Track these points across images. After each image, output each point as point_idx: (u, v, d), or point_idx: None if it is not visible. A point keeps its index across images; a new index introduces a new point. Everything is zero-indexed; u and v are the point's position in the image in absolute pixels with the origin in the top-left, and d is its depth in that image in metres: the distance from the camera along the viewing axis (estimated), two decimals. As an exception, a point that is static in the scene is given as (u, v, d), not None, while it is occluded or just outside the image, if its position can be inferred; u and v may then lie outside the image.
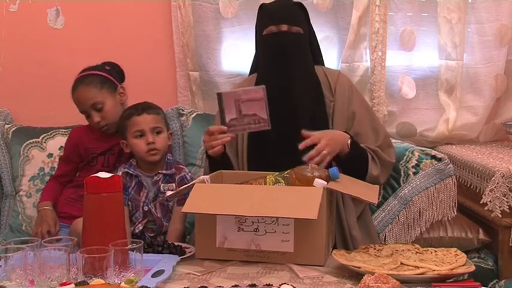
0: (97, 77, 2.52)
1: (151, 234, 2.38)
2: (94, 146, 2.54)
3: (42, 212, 2.49)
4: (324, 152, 2.13)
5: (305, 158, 2.13)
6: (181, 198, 2.22)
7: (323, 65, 2.52)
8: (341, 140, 2.22)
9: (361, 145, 2.31)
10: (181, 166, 2.47)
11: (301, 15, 2.43)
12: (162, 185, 2.39)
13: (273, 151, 2.29)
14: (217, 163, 2.26)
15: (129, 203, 2.37)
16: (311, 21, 2.49)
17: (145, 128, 2.36)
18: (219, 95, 2.20)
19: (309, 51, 2.42)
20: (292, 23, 2.36)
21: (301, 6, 2.45)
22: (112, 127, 2.51)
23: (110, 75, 2.55)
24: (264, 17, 2.42)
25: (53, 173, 2.67)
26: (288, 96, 2.32)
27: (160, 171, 2.39)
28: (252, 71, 2.54)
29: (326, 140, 2.15)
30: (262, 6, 2.47)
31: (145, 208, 2.38)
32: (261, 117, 2.18)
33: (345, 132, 2.28)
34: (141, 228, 2.37)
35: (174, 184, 2.39)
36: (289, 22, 2.35)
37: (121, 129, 2.43)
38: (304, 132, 2.16)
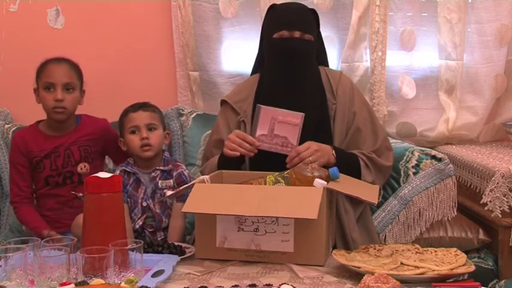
0: (77, 67, 2.48)
1: (151, 230, 2.39)
2: (37, 149, 2.46)
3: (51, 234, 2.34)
4: (304, 153, 2.15)
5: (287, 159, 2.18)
6: (181, 194, 2.24)
7: (326, 65, 2.51)
8: (326, 150, 2.22)
9: (354, 152, 2.31)
10: (179, 163, 2.48)
11: (314, 23, 2.40)
12: (160, 181, 2.40)
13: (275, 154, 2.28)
14: (228, 160, 2.27)
15: (128, 199, 2.38)
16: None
17: (139, 124, 2.37)
18: (258, 108, 2.21)
19: (315, 57, 2.41)
20: (305, 31, 2.33)
21: (314, 12, 2.43)
22: (65, 115, 2.43)
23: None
24: (277, 19, 2.37)
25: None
26: (294, 100, 2.28)
27: (157, 168, 2.40)
28: (254, 71, 2.53)
29: (310, 144, 2.18)
30: (274, 8, 2.43)
31: (144, 204, 2.38)
32: (290, 142, 2.19)
33: (331, 145, 2.27)
34: (140, 223, 2.38)
35: (171, 180, 2.40)
36: (302, 29, 2.32)
37: (119, 127, 2.45)
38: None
